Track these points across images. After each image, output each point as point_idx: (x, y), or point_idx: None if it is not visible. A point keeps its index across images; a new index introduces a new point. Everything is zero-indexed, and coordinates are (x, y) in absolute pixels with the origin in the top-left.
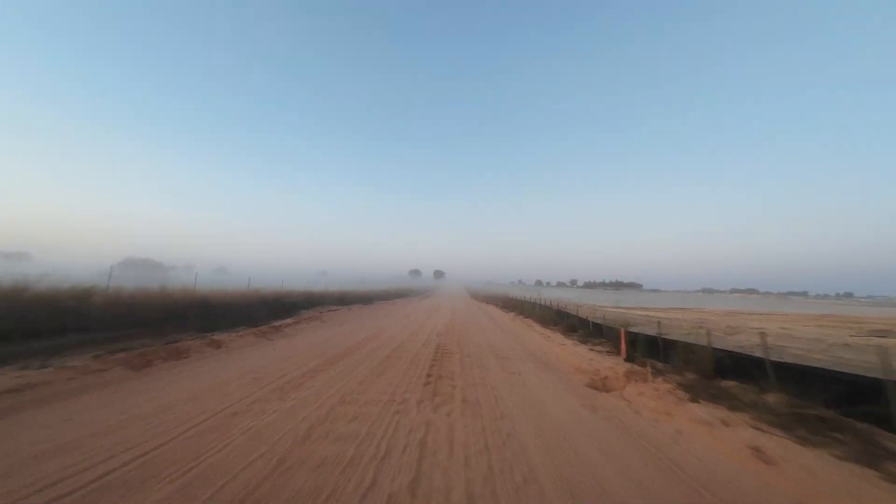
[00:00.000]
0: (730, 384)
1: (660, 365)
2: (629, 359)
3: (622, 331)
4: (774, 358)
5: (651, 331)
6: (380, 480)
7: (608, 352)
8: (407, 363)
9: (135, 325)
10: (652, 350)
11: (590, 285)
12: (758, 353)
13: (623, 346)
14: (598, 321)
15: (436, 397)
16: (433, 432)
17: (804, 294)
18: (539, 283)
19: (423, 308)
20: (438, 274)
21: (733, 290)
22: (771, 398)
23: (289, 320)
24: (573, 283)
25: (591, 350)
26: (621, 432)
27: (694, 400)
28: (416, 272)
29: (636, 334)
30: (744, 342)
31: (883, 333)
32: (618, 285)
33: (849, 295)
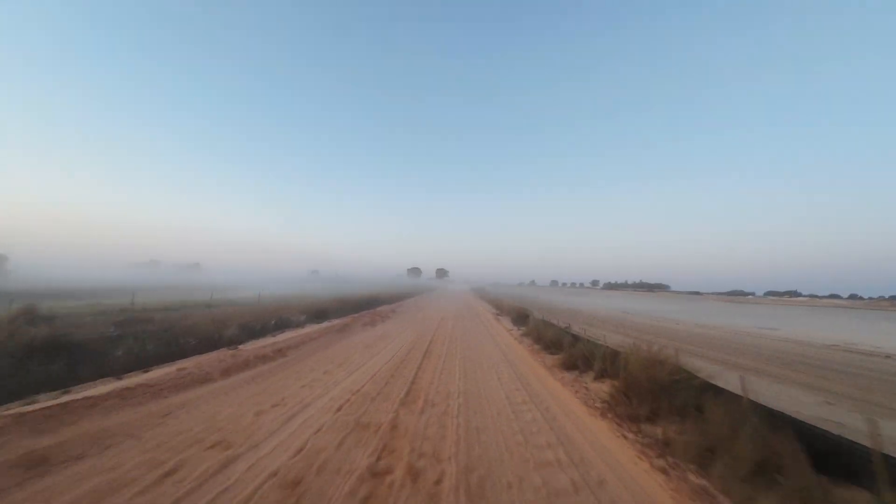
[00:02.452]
0: None
1: None
2: None
3: None
4: None
5: None
6: None
7: None
8: None
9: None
10: None
11: (611, 286)
12: None
13: None
14: None
15: None
16: None
17: (855, 298)
18: (554, 283)
19: None
20: (441, 273)
21: (769, 294)
22: None
23: None
24: (594, 284)
25: None
26: None
27: None
28: (415, 271)
29: None
30: None
31: None
32: (642, 286)
33: None
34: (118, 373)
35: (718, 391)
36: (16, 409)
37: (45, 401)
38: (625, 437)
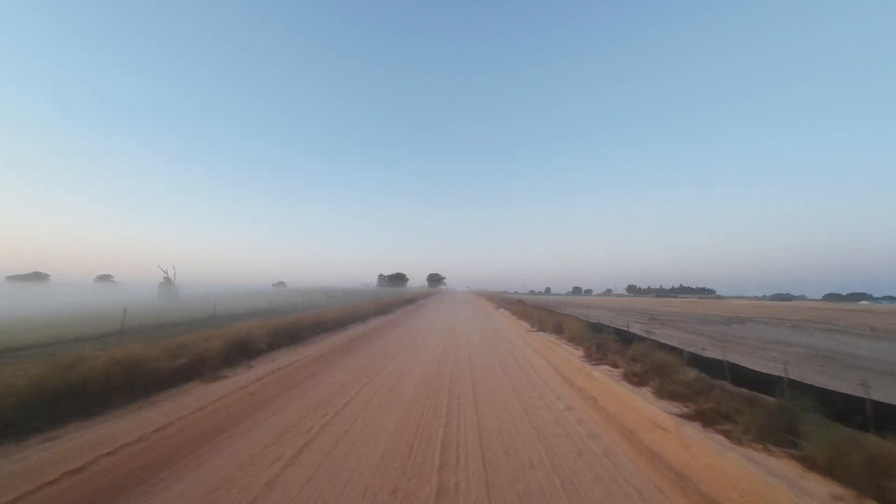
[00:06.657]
0: None
1: None
2: None
3: None
4: None
5: None
6: None
7: None
8: None
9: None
10: None
11: (643, 292)
12: None
13: None
14: None
15: None
16: None
17: None
18: (577, 289)
19: None
20: (434, 280)
21: (828, 296)
22: None
23: None
24: (631, 289)
25: None
26: None
27: None
28: (396, 278)
29: None
30: None
31: None
32: (684, 291)
33: None
34: None
35: None
36: None
37: None
38: None
